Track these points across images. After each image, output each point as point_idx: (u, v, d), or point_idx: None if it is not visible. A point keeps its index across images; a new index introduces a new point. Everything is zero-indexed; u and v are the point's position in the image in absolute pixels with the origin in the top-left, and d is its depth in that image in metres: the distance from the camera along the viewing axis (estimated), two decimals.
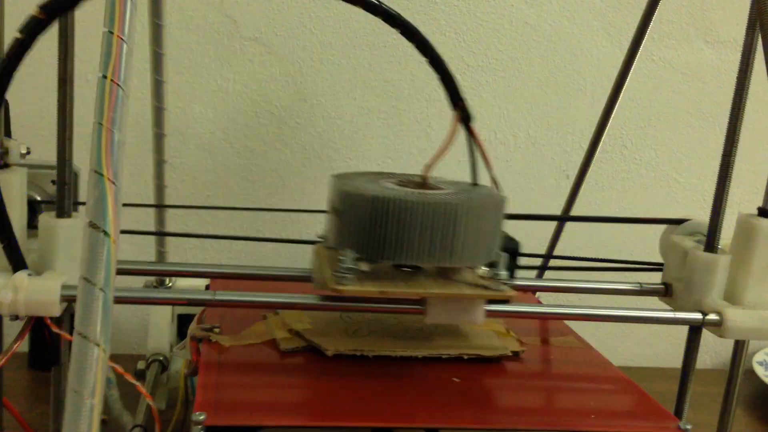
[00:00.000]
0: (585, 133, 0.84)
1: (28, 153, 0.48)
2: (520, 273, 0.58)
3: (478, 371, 0.49)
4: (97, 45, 0.33)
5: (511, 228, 0.49)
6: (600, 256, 0.62)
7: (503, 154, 0.88)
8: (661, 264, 0.56)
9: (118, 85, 0.33)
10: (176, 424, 0.56)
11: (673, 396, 0.51)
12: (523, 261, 0.60)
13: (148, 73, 0.69)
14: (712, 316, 0.48)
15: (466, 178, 0.51)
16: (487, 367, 0.49)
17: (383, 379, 0.46)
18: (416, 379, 0.47)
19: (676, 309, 0.52)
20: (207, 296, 0.46)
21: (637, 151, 0.91)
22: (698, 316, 0.48)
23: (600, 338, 0.93)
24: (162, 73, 0.68)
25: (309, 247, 0.50)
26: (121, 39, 0.33)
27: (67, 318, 0.44)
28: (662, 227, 0.58)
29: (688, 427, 0.42)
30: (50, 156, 0.45)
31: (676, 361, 0.52)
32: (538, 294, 0.68)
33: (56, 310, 0.42)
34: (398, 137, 0.87)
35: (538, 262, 0.70)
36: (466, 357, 0.49)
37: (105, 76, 0.33)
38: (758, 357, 0.87)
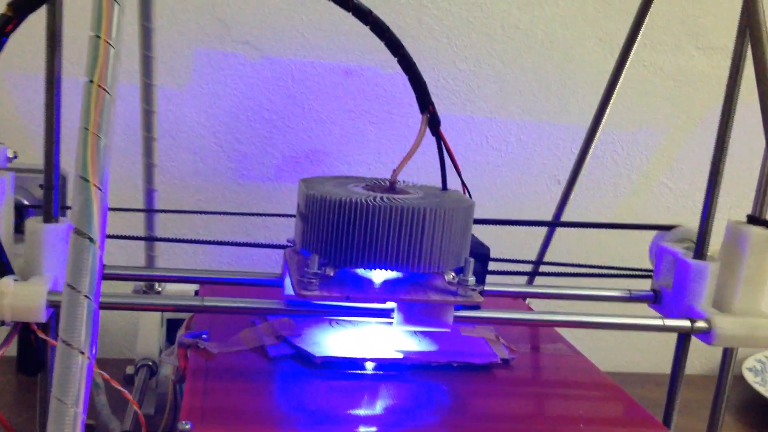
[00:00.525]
0: (576, 138, 0.84)
1: (15, 157, 0.47)
2: (510, 279, 0.58)
3: (467, 379, 0.48)
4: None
5: (502, 233, 0.49)
6: (590, 262, 0.62)
7: (494, 159, 0.88)
8: (651, 270, 0.56)
9: (104, 89, 0.32)
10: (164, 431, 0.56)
11: (663, 402, 0.51)
12: (513, 267, 0.60)
13: (138, 76, 0.69)
14: (700, 324, 0.48)
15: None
16: (476, 374, 0.49)
17: (371, 386, 0.46)
18: (405, 387, 0.46)
19: (665, 316, 0.52)
20: (195, 302, 0.45)
21: (628, 156, 0.91)
22: (687, 323, 0.48)
23: (591, 344, 0.94)
24: (152, 77, 0.67)
25: None
26: (108, 43, 0.33)
27: (54, 323, 0.43)
28: (653, 233, 0.58)
29: None
30: (40, 160, 0.44)
31: (668, 367, 0.52)
32: (528, 300, 0.67)
33: (42, 316, 0.41)
34: (390, 142, 0.86)
35: (528, 268, 0.70)
36: (455, 365, 0.49)
37: (92, 81, 0.32)
38: (748, 363, 0.87)
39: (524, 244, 0.76)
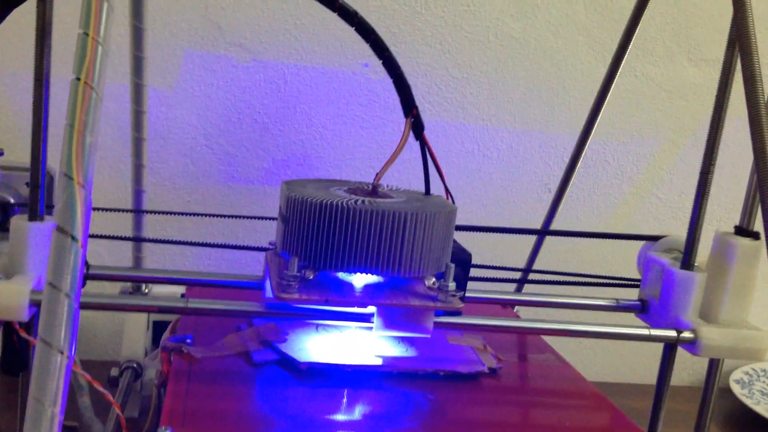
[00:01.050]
0: (567, 147, 0.84)
1: (2, 154, 0.47)
2: (498, 287, 0.58)
3: (454, 387, 0.48)
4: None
5: (491, 240, 0.49)
6: (579, 271, 0.61)
7: (485, 167, 0.88)
8: (639, 280, 0.56)
9: (91, 87, 0.32)
10: None
11: (649, 413, 0.51)
12: (502, 274, 0.60)
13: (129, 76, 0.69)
14: (686, 334, 0.48)
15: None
16: (463, 383, 0.49)
17: (357, 393, 0.46)
18: (391, 395, 0.46)
19: (651, 326, 0.52)
20: (180, 304, 0.45)
21: (618, 166, 0.91)
22: (673, 333, 0.48)
23: (579, 353, 0.94)
24: (143, 77, 0.67)
25: None
26: (97, 41, 0.33)
27: (37, 323, 0.43)
28: (641, 243, 0.58)
29: None
30: (27, 158, 0.44)
31: (655, 377, 0.52)
32: (517, 308, 0.67)
33: (24, 315, 0.41)
34: (381, 147, 0.86)
35: (517, 275, 0.70)
36: (442, 373, 0.49)
37: (78, 78, 0.32)
38: (735, 375, 0.87)
39: (513, 251, 0.76)
